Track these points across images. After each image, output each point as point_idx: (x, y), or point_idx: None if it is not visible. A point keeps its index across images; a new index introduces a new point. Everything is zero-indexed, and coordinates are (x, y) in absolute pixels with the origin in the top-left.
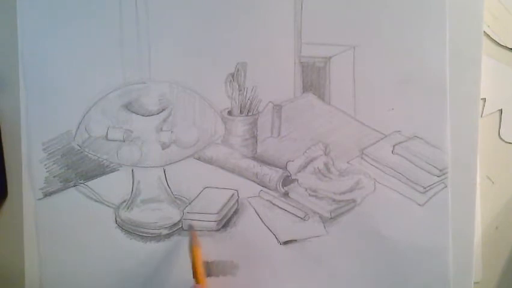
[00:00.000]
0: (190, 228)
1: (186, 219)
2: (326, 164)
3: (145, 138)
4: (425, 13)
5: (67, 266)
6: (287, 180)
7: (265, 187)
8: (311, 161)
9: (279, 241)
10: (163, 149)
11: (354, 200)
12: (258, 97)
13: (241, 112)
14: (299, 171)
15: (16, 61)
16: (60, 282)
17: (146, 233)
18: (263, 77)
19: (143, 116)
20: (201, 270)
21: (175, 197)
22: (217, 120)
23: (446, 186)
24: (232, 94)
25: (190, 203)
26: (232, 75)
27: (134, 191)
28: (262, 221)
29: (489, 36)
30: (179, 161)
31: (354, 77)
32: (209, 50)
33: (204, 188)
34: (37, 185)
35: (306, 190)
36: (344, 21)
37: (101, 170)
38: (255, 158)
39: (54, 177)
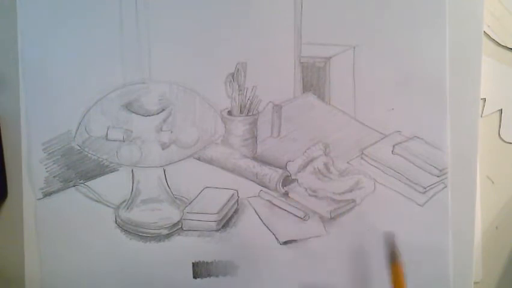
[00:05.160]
0: (393, 253)
1: (186, 219)
2: (325, 164)
3: (145, 138)
4: (425, 13)
5: (67, 266)
6: (287, 180)
7: (265, 187)
8: (311, 161)
9: (279, 241)
10: (163, 149)
11: (354, 200)
12: (258, 97)
13: (241, 112)
14: (299, 171)
15: (16, 61)
16: (60, 282)
17: (146, 233)
18: (263, 77)
19: (143, 116)
20: None
21: (175, 197)
22: (217, 120)
23: (446, 186)
24: (232, 94)
25: (190, 203)
26: (232, 75)
27: (134, 191)
28: (262, 221)
29: (489, 36)
30: (179, 161)
31: (354, 77)
32: (209, 50)
33: (204, 188)
34: (37, 185)
35: (306, 190)
36: (344, 21)
37: (101, 170)
38: (255, 158)
39: (54, 177)
